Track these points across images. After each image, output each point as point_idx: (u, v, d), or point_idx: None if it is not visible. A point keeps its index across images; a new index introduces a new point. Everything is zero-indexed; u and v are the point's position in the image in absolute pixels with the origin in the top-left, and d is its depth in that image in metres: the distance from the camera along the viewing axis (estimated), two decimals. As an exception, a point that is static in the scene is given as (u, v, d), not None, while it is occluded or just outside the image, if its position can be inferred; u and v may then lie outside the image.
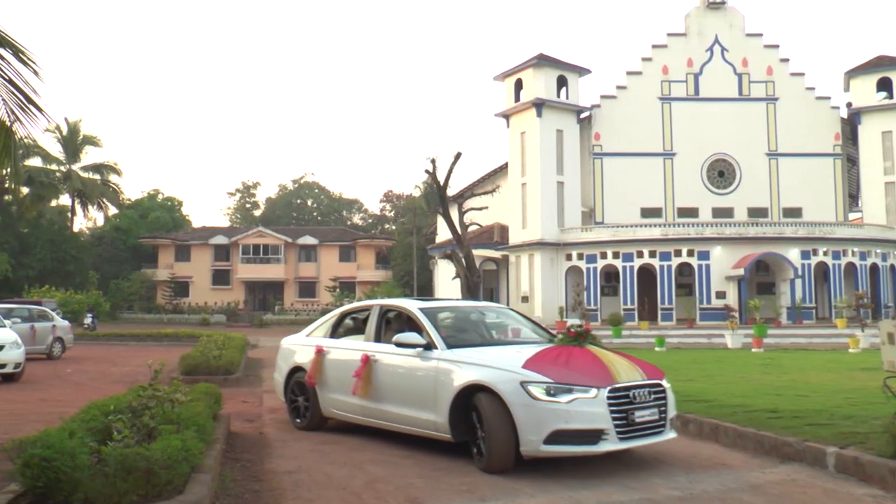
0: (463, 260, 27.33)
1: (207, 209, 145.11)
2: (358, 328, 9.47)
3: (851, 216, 47.47)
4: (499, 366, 7.04)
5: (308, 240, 69.60)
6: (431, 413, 7.48)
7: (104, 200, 63.99)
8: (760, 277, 41.72)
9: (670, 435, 7.26)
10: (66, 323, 23.85)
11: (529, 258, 42.74)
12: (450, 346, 7.74)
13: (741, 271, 38.52)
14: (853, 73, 44.23)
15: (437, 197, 31.09)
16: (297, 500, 6.07)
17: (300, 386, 9.48)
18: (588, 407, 6.63)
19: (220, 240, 68.69)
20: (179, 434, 5.79)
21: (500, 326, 9.09)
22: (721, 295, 39.01)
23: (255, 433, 9.31)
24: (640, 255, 40.24)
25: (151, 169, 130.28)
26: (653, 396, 7.03)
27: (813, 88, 46.05)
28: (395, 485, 6.51)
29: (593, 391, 6.70)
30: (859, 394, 10.92)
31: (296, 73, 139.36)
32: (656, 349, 25.87)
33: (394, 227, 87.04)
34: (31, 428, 7.11)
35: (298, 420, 9.52)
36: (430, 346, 7.78)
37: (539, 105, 42.16)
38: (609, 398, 6.70)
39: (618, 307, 38.78)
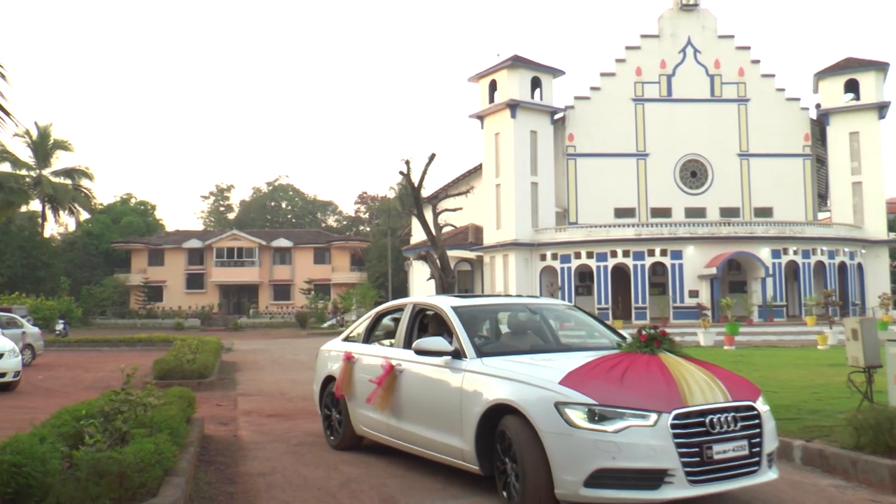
0: (437, 261, 27.37)
1: (181, 213, 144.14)
2: (393, 331, 8.07)
3: (820, 216, 48.17)
4: (530, 380, 5.57)
5: (282, 242, 69.38)
6: (457, 438, 6.13)
7: (76, 205, 63.29)
8: (732, 276, 42.19)
9: (768, 476, 5.48)
10: (36, 329, 23.58)
11: (504, 259, 42.91)
12: (482, 353, 6.31)
13: (714, 270, 38.93)
14: (822, 75, 44.86)
15: (411, 198, 31.13)
16: (271, 501, 6.09)
17: (333, 398, 8.33)
18: (645, 438, 5.01)
19: (194, 243, 68.27)
20: (152, 437, 5.80)
21: (556, 329, 7.44)
22: (694, 294, 39.40)
23: (229, 436, 9.30)
24: (614, 254, 40.54)
25: (124, 173, 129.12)
26: (740, 424, 5.27)
27: (783, 90, 46.65)
28: (370, 484, 6.56)
29: (652, 416, 5.07)
30: (826, 389, 11.14)
31: (270, 75, 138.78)
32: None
33: (368, 229, 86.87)
34: (1, 435, 7.07)
35: (332, 437, 8.40)
36: (458, 354, 6.37)
37: (513, 106, 42.33)
38: (675, 426, 5.05)
39: (592, 306, 39.03)
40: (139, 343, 30.26)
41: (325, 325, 51.16)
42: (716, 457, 5.11)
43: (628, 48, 46.58)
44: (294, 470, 7.22)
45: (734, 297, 37.29)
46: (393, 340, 7.69)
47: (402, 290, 61.55)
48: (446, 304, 7.12)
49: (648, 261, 40.16)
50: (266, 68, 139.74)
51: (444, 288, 26.42)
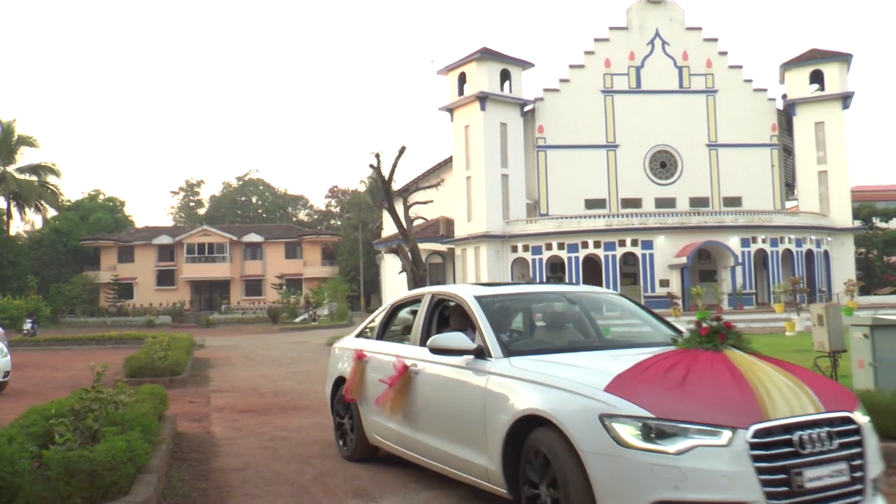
0: (409, 254, 27.39)
1: (151, 209, 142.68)
2: (411, 326, 7.05)
3: (788, 204, 48.82)
4: (568, 386, 4.53)
5: (253, 237, 68.99)
6: (481, 453, 5.16)
7: (42, 202, 62.47)
8: (702, 265, 42.62)
9: None
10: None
11: (475, 251, 43.02)
12: (510, 352, 5.32)
13: (684, 260, 39.30)
14: (788, 66, 45.40)
15: (382, 192, 31.09)
16: (245, 496, 6.10)
17: (345, 402, 7.46)
18: (716, 461, 3.95)
19: (164, 240, 67.66)
20: (124, 435, 5.77)
21: (599, 321, 6.43)
22: (665, 283, 39.75)
23: (202, 432, 9.28)
24: (585, 245, 40.78)
25: (91, 169, 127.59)
26: (837, 442, 4.16)
27: (751, 81, 47.12)
28: (342, 478, 6.59)
29: (725, 433, 4.00)
30: (793, 376, 11.29)
31: (239, 69, 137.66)
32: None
33: (339, 223, 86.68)
34: (-29, 434, 7.00)
35: (343, 447, 7.51)
36: (482, 353, 5.39)
37: (483, 98, 42.37)
38: (755, 446, 3.97)
39: (564, 298, 39.13)
40: (109, 341, 29.94)
41: (298, 319, 50.99)
42: (808, 485, 3.98)
43: (597, 40, 46.79)
44: (267, 465, 7.23)
45: (704, 285, 37.73)
46: (410, 336, 6.76)
47: (375, 284, 61.54)
48: (468, 293, 6.16)
49: (619, 251, 40.44)
50: (235, 62, 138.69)
51: (415, 281, 26.47)
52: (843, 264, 44.01)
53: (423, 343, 6.21)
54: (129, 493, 5.09)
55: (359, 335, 7.88)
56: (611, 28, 46.99)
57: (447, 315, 6.61)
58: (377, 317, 7.71)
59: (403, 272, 28.18)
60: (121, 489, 5.10)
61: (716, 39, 47.40)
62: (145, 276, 67.04)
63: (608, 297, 6.92)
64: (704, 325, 4.94)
